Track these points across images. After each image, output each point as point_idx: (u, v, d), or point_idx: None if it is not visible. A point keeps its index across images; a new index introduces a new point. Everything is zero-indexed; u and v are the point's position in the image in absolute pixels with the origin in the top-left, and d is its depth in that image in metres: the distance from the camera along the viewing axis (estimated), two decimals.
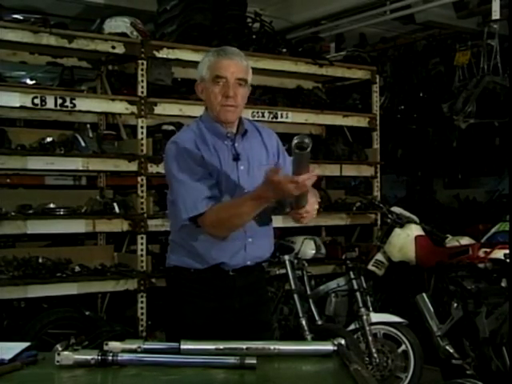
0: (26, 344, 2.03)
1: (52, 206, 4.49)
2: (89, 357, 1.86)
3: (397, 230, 4.83)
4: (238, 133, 2.53)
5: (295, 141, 1.95)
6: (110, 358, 1.86)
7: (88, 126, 4.98)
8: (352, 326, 4.37)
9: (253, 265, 2.54)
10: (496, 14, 5.50)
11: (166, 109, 4.85)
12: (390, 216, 4.94)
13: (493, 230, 4.77)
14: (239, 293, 2.53)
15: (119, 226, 4.64)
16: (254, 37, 5.50)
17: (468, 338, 4.10)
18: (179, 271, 2.59)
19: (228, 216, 2.33)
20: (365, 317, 4.31)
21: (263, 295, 2.67)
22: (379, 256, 4.89)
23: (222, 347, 1.97)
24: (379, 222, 5.78)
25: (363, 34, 7.61)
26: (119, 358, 1.87)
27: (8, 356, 1.88)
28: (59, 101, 4.39)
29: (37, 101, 4.31)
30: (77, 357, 1.86)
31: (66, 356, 1.85)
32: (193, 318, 2.51)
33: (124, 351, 1.92)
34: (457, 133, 6.69)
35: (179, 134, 2.59)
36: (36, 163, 4.39)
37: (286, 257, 4.38)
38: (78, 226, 4.51)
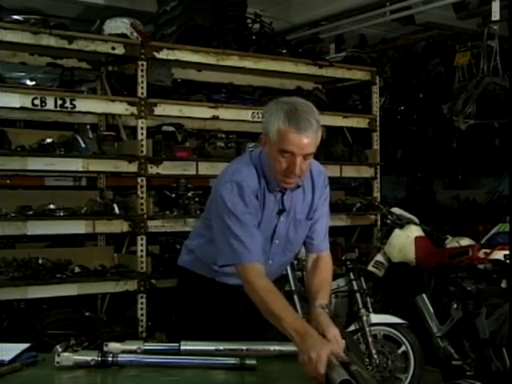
0: (25, 345, 2.03)
1: (52, 206, 4.48)
2: (89, 358, 1.86)
3: (397, 231, 4.82)
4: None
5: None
6: (110, 358, 1.87)
7: (88, 126, 4.97)
8: (352, 327, 4.36)
9: None
10: (496, 15, 5.51)
11: (166, 110, 4.84)
12: (389, 217, 4.94)
13: (493, 231, 4.77)
14: (244, 299, 2.52)
15: (119, 226, 4.63)
16: (253, 38, 5.49)
17: (468, 339, 4.09)
18: (186, 271, 2.63)
19: (264, 302, 2.13)
20: (365, 318, 4.31)
21: None
22: (379, 257, 4.89)
23: (222, 348, 1.98)
24: (379, 223, 5.77)
25: (363, 35, 7.62)
26: (119, 358, 1.88)
27: (8, 357, 1.88)
28: (59, 102, 4.38)
29: (37, 102, 4.31)
30: (77, 358, 1.86)
31: (66, 357, 1.85)
32: (198, 314, 2.56)
33: (124, 352, 1.92)
34: (457, 134, 6.68)
35: (245, 177, 2.32)
36: (36, 164, 4.39)
37: None
38: (77, 227, 4.51)
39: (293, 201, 2.42)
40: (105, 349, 1.93)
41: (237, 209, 2.24)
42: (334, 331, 2.10)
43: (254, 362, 1.89)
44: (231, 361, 1.89)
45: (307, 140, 2.18)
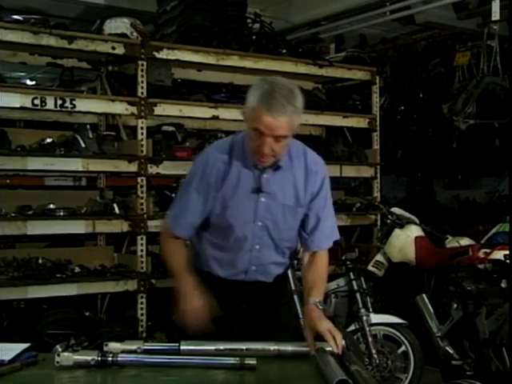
0: (25, 345, 2.03)
1: (52, 206, 4.48)
2: (89, 358, 1.86)
3: (397, 231, 4.82)
4: (270, 166, 2.37)
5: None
6: (110, 358, 1.87)
7: (88, 126, 4.97)
8: (352, 327, 4.36)
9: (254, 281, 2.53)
10: (496, 15, 5.51)
11: (166, 109, 4.84)
12: (389, 217, 4.94)
13: (493, 231, 4.77)
14: (245, 295, 2.51)
15: (119, 226, 4.64)
16: (253, 38, 5.50)
17: (468, 339, 4.10)
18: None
19: (168, 262, 2.52)
20: (365, 318, 4.31)
21: (279, 297, 2.60)
22: (379, 257, 4.89)
23: (221, 348, 1.98)
24: (379, 223, 5.78)
25: (363, 34, 7.62)
26: (119, 358, 1.88)
27: (8, 357, 1.88)
28: (59, 101, 4.39)
29: (37, 101, 4.31)
30: (77, 358, 1.86)
31: (66, 357, 1.85)
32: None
33: (124, 352, 1.92)
34: (457, 133, 6.68)
35: (215, 149, 2.48)
36: (36, 164, 4.39)
37: None
38: (77, 227, 4.51)
39: (276, 183, 2.40)
40: (105, 349, 1.93)
41: (194, 178, 2.43)
42: (326, 325, 2.11)
43: (253, 361, 1.89)
44: (231, 361, 1.89)
45: (277, 123, 2.19)
